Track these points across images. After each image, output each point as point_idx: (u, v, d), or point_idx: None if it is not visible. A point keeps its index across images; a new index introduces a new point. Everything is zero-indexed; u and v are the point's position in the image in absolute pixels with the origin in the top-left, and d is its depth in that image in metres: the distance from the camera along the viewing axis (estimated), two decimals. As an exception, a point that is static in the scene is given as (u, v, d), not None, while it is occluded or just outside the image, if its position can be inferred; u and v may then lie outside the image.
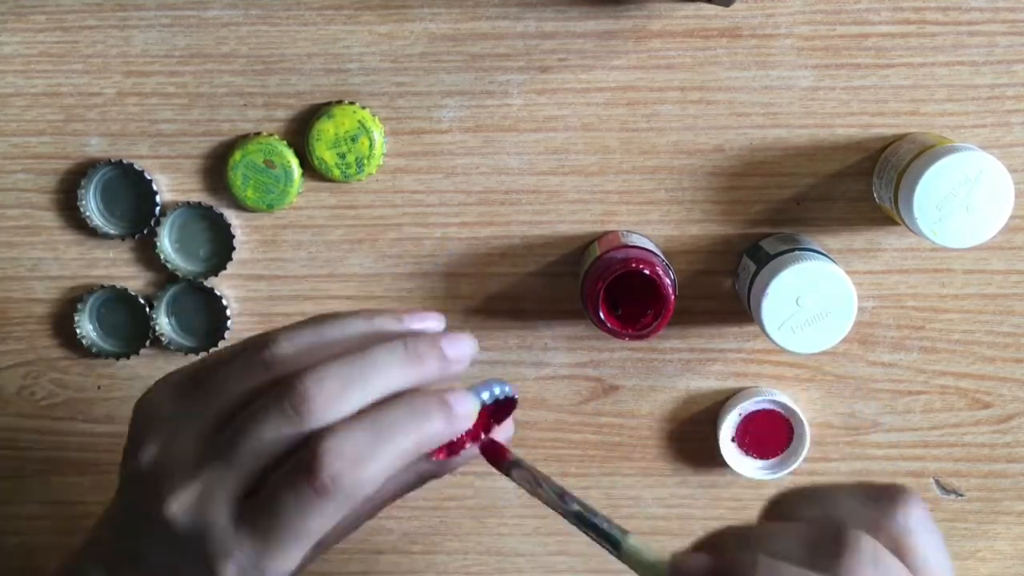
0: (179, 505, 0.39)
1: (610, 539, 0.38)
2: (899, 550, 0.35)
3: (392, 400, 0.39)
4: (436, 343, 0.40)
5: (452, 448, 0.42)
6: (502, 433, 0.43)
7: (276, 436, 0.38)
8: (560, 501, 0.40)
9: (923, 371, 0.61)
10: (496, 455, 0.42)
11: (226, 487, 0.39)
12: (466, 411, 0.40)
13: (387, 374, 0.39)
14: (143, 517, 0.40)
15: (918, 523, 0.36)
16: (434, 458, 0.42)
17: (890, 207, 0.55)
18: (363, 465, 0.37)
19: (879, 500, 0.36)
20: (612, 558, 0.68)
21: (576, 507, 0.40)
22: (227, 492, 0.39)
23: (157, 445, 0.40)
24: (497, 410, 0.43)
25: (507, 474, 0.42)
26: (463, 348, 0.41)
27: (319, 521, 0.38)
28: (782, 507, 0.38)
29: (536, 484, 0.41)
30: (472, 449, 0.42)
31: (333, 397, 0.38)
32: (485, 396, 0.41)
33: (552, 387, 0.62)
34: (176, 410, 0.40)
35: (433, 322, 0.42)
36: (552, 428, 0.63)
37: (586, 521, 0.39)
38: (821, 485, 0.38)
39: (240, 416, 0.39)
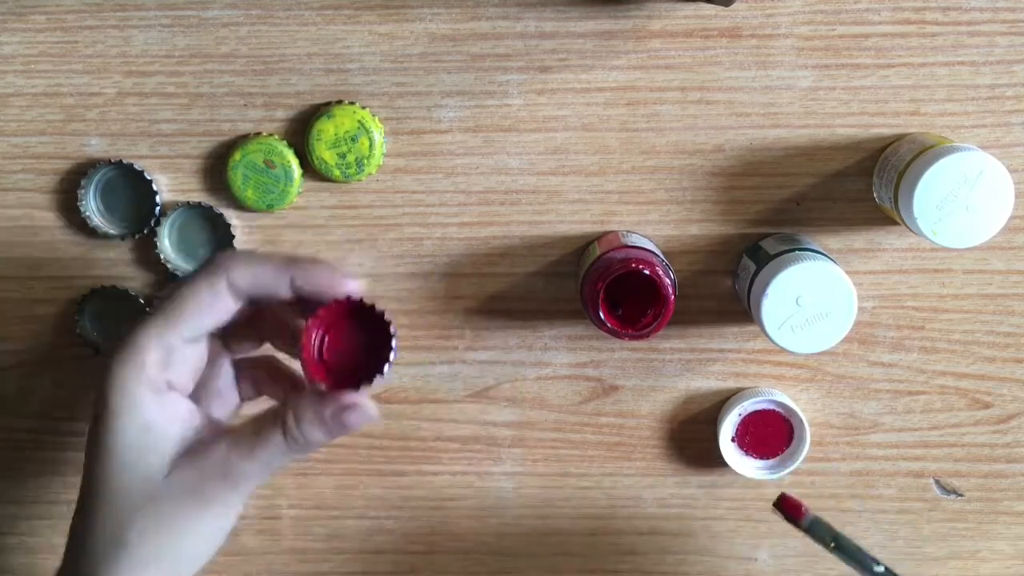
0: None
1: None
2: None
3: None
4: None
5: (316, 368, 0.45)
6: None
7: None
8: (862, 567, 0.41)
9: (923, 371, 0.61)
10: (792, 511, 0.44)
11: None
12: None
13: None
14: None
15: None
16: (313, 378, 0.45)
17: (890, 207, 0.55)
18: (246, 254, 0.45)
19: None
20: (612, 559, 0.69)
21: (882, 568, 0.41)
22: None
23: None
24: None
25: (804, 531, 0.44)
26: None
27: (196, 289, 0.45)
28: None
29: (835, 544, 0.42)
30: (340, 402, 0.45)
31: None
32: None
33: (552, 387, 0.62)
34: None
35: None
36: (552, 428, 0.63)
37: None
38: None
39: None
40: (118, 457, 0.44)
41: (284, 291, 0.45)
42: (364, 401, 0.45)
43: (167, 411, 0.45)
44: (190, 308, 0.44)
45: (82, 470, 0.47)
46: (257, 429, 0.45)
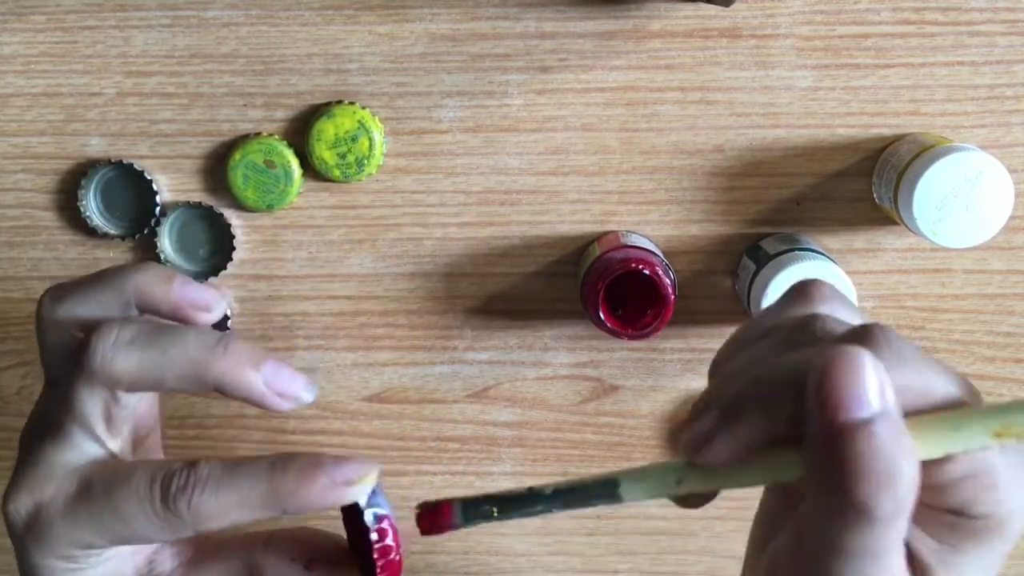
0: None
1: (607, 491, 0.33)
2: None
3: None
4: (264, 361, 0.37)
5: None
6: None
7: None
8: (532, 497, 0.34)
9: (923, 371, 0.61)
10: (440, 522, 0.36)
11: None
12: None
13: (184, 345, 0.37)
14: None
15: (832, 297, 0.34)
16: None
17: (890, 207, 0.55)
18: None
19: (789, 303, 0.34)
20: (612, 559, 0.68)
21: (551, 489, 0.34)
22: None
23: None
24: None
25: (465, 525, 0.37)
26: (285, 379, 0.38)
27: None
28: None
29: (501, 505, 0.35)
30: None
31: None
32: (362, 499, 0.37)
33: (552, 387, 0.62)
34: None
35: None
36: (552, 428, 0.63)
37: (573, 494, 0.33)
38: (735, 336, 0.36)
39: None
40: None
41: (271, 514, 0.37)
42: None
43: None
44: (131, 526, 0.36)
45: None
46: None
